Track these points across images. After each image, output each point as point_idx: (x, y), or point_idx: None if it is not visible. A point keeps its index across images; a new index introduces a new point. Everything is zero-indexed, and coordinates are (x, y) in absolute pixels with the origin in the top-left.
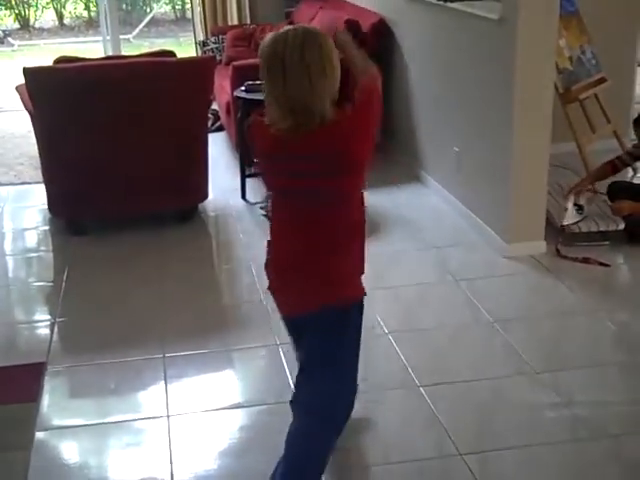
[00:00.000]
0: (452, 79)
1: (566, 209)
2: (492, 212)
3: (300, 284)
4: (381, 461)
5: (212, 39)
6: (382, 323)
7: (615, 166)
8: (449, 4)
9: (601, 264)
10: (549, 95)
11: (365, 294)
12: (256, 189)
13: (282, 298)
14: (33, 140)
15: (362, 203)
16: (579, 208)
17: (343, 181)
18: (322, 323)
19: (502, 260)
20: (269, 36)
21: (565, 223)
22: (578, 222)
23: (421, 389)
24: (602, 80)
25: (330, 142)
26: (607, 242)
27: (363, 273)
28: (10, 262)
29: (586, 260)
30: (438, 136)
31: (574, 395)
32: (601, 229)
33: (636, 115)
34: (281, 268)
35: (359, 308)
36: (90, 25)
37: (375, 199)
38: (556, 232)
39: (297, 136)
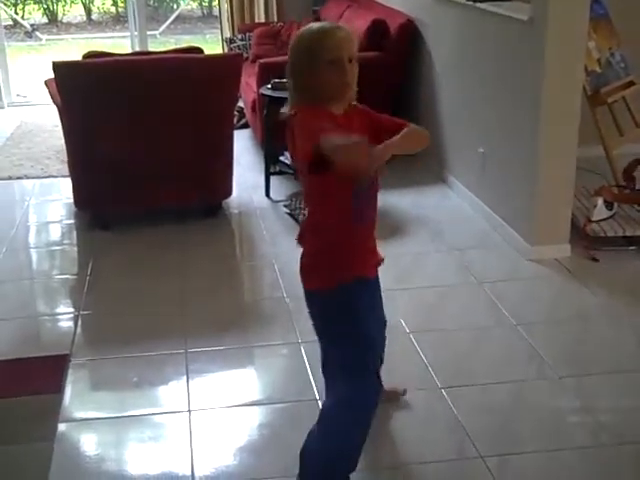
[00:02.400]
0: (479, 80)
1: (595, 205)
2: (517, 214)
3: None
4: (401, 462)
5: (239, 36)
6: (404, 324)
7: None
8: (478, 4)
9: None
10: (577, 97)
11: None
12: (280, 187)
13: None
14: (60, 134)
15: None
16: (608, 204)
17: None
18: None
19: (526, 263)
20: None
21: (594, 219)
22: (607, 218)
23: (442, 391)
24: (631, 83)
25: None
26: (633, 247)
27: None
28: (35, 255)
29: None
30: (463, 137)
31: (597, 400)
32: (627, 234)
33: None
34: None
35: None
36: (117, 21)
37: (398, 200)
38: (580, 235)
39: None
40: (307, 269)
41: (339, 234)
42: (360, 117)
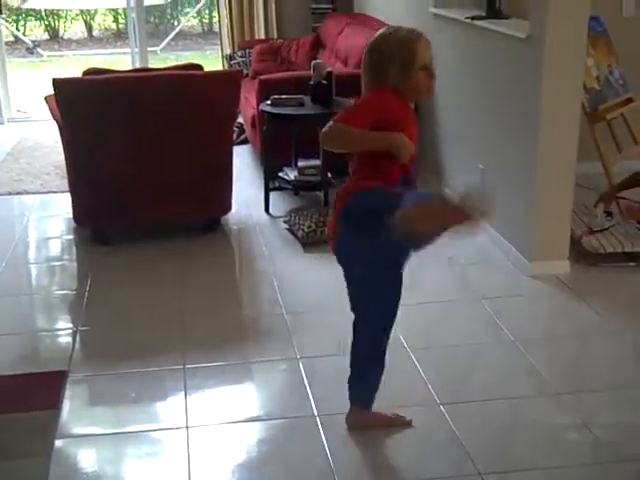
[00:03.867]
0: (478, 97)
1: (596, 216)
2: (516, 230)
3: None
4: (400, 478)
5: (239, 53)
6: (403, 339)
7: None
8: (476, 22)
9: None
10: (576, 114)
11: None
12: (280, 203)
13: None
14: (60, 150)
15: None
16: (608, 215)
17: None
18: None
19: (525, 279)
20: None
21: (595, 229)
22: (607, 229)
23: (441, 407)
24: (630, 100)
25: None
26: (633, 263)
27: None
28: (34, 270)
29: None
30: (463, 153)
31: (596, 417)
32: (626, 250)
33: None
34: None
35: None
36: (118, 37)
37: None
38: (576, 248)
39: None
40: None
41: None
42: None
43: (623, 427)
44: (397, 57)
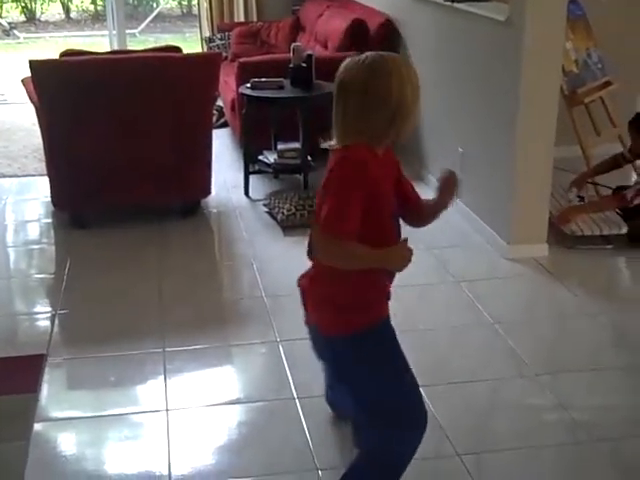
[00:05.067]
0: (458, 79)
1: (570, 201)
2: (494, 213)
3: None
4: None
5: (218, 35)
6: None
7: (617, 161)
8: (456, 5)
9: None
10: (555, 97)
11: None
12: (259, 186)
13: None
14: (38, 133)
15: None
16: (581, 199)
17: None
18: None
19: (504, 262)
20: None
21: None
22: None
23: (420, 389)
24: (608, 83)
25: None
26: (610, 246)
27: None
28: (12, 254)
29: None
30: (442, 136)
31: (574, 398)
32: (604, 233)
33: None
34: None
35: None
36: (96, 19)
37: None
38: (554, 231)
39: None
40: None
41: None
42: (392, 164)
43: (599, 408)
44: (390, 100)
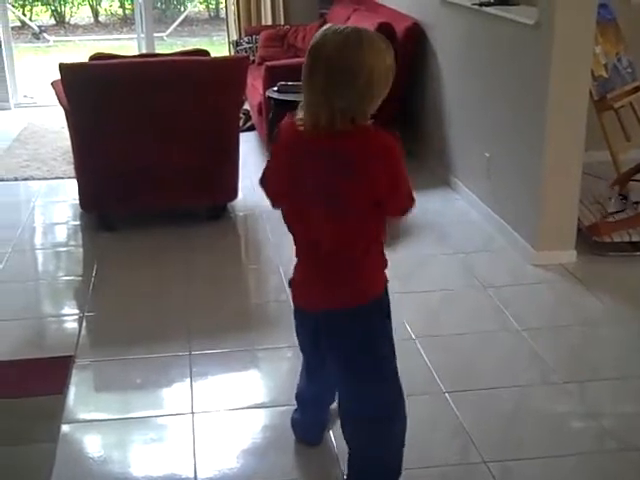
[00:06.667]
0: (486, 84)
1: (610, 198)
2: (522, 219)
3: None
4: (405, 466)
5: (245, 39)
6: (409, 327)
7: None
8: (484, 9)
9: None
10: (584, 102)
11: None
12: None
13: None
14: (67, 135)
15: None
16: (623, 198)
17: None
18: None
19: (531, 268)
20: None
21: (610, 211)
22: (623, 210)
23: (446, 395)
24: (638, 88)
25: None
26: (638, 253)
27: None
28: (40, 256)
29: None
30: (469, 141)
31: (602, 406)
32: (633, 240)
33: None
34: None
35: None
36: (125, 23)
37: None
38: (582, 237)
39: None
40: None
41: None
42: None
43: (627, 416)
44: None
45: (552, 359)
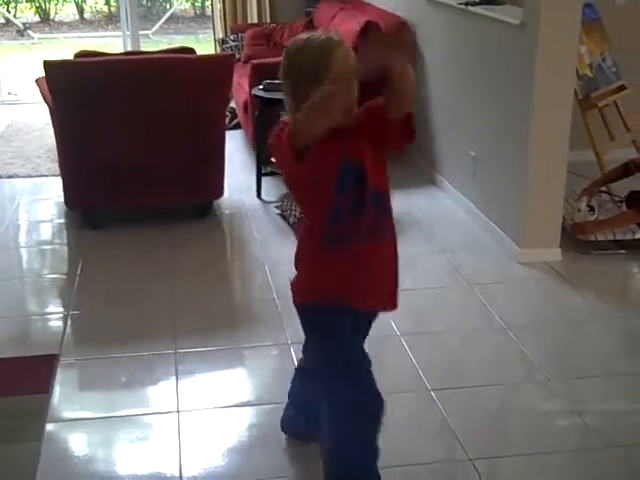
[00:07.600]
0: (471, 83)
1: (579, 210)
2: (507, 217)
3: None
4: (390, 464)
5: (231, 37)
6: (394, 325)
7: (628, 168)
8: (470, 8)
9: None
10: (569, 101)
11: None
12: (272, 188)
13: None
14: (51, 133)
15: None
16: (591, 209)
17: None
18: None
19: (516, 266)
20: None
21: (577, 221)
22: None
23: (432, 393)
24: (622, 88)
25: None
26: (623, 251)
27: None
28: (25, 254)
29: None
30: (455, 140)
31: (586, 403)
32: (617, 238)
33: None
34: None
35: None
36: (110, 20)
37: None
38: (567, 235)
39: None
40: None
41: None
42: None
43: (612, 413)
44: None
45: (537, 357)
